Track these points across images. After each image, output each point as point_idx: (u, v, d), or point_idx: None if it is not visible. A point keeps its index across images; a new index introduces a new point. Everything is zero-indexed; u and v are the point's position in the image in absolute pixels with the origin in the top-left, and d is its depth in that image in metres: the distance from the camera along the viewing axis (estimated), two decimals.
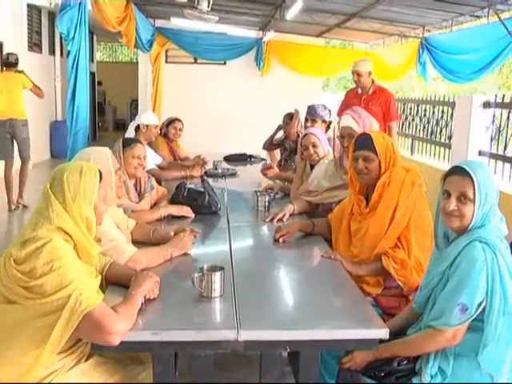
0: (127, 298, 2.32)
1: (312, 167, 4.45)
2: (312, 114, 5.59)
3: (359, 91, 6.82)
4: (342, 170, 3.90)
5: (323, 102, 7.44)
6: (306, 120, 5.65)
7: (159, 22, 12.31)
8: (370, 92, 6.69)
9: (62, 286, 2.12)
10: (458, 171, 2.43)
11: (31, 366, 2.15)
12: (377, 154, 3.17)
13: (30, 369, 2.15)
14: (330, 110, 5.73)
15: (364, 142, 3.22)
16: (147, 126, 5.64)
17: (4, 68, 8.29)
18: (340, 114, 6.71)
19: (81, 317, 2.09)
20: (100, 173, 2.46)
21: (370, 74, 6.71)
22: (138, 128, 5.62)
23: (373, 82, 6.74)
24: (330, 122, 5.68)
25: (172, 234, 3.10)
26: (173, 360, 2.34)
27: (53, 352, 2.15)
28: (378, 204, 3.14)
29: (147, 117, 5.80)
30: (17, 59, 8.16)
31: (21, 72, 8.22)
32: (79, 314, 2.09)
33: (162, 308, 2.42)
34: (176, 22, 11.21)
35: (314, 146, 4.38)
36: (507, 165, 6.60)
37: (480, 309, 2.31)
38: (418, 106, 9.60)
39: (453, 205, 2.42)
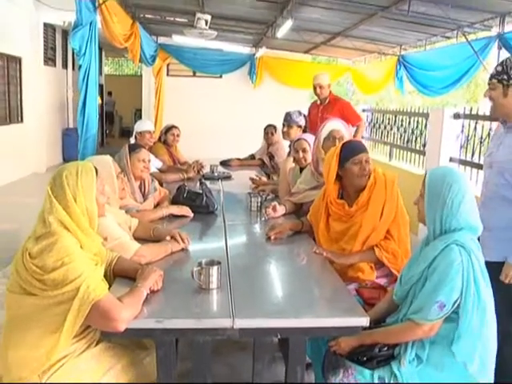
0: (133, 289, 2.32)
1: (301, 170, 4.46)
2: (288, 120, 5.59)
3: (318, 102, 6.87)
4: (319, 174, 3.93)
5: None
6: (283, 126, 5.66)
7: (162, 39, 12.31)
8: (326, 102, 6.74)
9: (71, 279, 2.13)
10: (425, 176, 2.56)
11: (50, 348, 2.17)
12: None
13: (49, 350, 2.17)
14: (304, 116, 5.73)
15: (361, 146, 3.31)
16: (141, 132, 5.67)
17: None
18: (309, 125, 6.76)
19: (89, 306, 2.11)
20: (96, 169, 2.45)
21: (329, 86, 6.77)
22: (135, 137, 5.68)
23: (330, 93, 6.77)
24: (306, 127, 5.69)
25: (168, 238, 3.08)
26: (174, 346, 2.34)
27: (69, 336, 2.17)
28: (369, 202, 3.20)
29: (140, 125, 5.85)
30: None
31: None
32: (88, 304, 2.11)
33: (164, 298, 2.41)
34: (177, 39, 11.23)
35: (304, 151, 4.38)
36: (474, 170, 6.62)
37: (456, 305, 2.33)
38: (395, 117, 9.60)
39: (416, 199, 2.61)
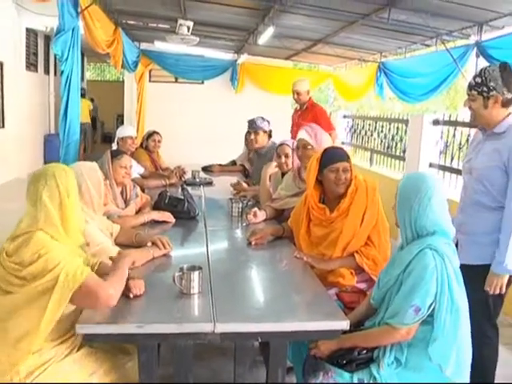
0: (114, 269, 2.39)
1: (283, 175, 4.48)
2: (253, 126, 5.63)
3: (298, 108, 6.93)
4: (301, 180, 3.97)
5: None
6: (249, 133, 5.69)
7: (144, 45, 12.29)
8: (304, 108, 6.80)
9: (50, 268, 2.14)
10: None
11: (31, 339, 2.17)
12: (350, 165, 3.27)
13: (30, 341, 2.18)
14: (268, 121, 5.76)
15: (341, 154, 3.31)
16: (123, 138, 5.67)
17: None
18: (291, 131, 6.81)
19: (71, 293, 2.14)
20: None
21: (308, 92, 6.82)
22: (117, 143, 5.68)
23: (309, 99, 6.83)
24: (271, 131, 5.72)
25: (149, 244, 3.09)
26: (156, 350, 2.35)
27: (50, 324, 2.18)
28: (349, 208, 3.23)
29: (121, 130, 5.85)
30: None
31: None
32: (69, 291, 2.14)
33: (146, 304, 2.42)
34: (159, 46, 11.23)
35: (287, 156, 4.41)
36: (454, 175, 6.70)
37: (431, 309, 2.37)
38: (376, 123, 9.67)
39: (394, 204, 2.63)
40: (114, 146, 5.77)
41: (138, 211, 4.15)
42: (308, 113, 6.74)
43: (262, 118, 5.72)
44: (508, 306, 3.36)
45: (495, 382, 3.20)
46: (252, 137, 5.65)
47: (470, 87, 3.03)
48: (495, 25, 7.03)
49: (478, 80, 2.98)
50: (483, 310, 3.08)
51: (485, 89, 2.95)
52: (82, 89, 16.94)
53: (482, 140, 3.15)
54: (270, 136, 5.67)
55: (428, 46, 8.97)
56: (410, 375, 2.42)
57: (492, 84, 2.93)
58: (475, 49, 7.32)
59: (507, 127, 2.98)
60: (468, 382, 2.48)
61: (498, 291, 2.98)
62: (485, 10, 6.49)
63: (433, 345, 2.37)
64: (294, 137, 5.47)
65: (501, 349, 3.27)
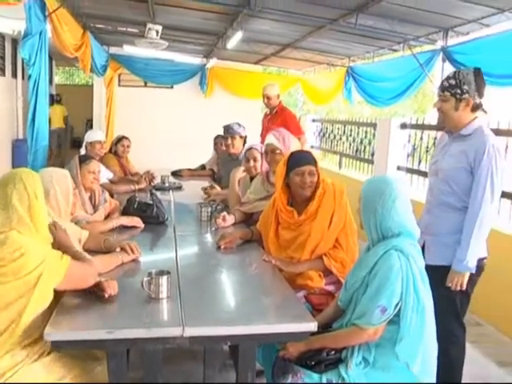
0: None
1: (252, 179, 4.51)
2: (230, 132, 5.66)
3: (268, 112, 6.97)
4: (270, 184, 4.00)
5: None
6: (226, 139, 5.72)
7: (113, 49, 12.19)
8: (274, 112, 6.84)
9: (32, 267, 2.20)
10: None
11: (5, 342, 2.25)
12: (317, 168, 3.28)
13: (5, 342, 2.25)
14: (244, 127, 5.80)
15: (307, 158, 3.33)
16: (91, 143, 5.64)
17: None
18: (261, 135, 6.86)
19: (52, 289, 2.26)
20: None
21: (278, 96, 6.86)
22: (85, 147, 5.64)
23: (279, 103, 6.87)
24: (246, 137, 5.77)
25: (118, 249, 3.09)
26: (125, 356, 2.35)
27: (30, 316, 2.27)
28: (317, 211, 3.26)
29: (90, 135, 5.81)
30: None
31: None
32: (51, 287, 2.27)
33: (115, 309, 2.43)
34: (128, 50, 11.16)
35: (255, 160, 4.43)
36: (422, 178, 6.80)
37: (397, 309, 2.41)
38: (344, 127, 9.77)
39: (358, 208, 2.68)
40: (83, 151, 5.72)
41: (107, 217, 4.13)
42: (277, 117, 6.77)
43: (238, 124, 5.76)
44: (475, 304, 3.44)
45: (462, 379, 3.26)
46: (229, 141, 5.68)
47: (443, 88, 3.09)
48: (460, 31, 7.18)
49: (452, 82, 3.04)
50: (450, 310, 3.15)
51: (458, 91, 3.02)
52: (56, 95, 16.86)
53: (448, 142, 3.22)
54: (245, 142, 5.71)
55: (395, 50, 9.08)
56: (378, 375, 2.46)
57: (466, 87, 3.00)
58: (441, 54, 7.44)
59: (474, 130, 3.05)
60: (434, 379, 2.53)
61: (458, 288, 3.05)
62: (450, 16, 6.61)
63: (400, 344, 2.41)
64: (263, 141, 5.51)
65: (468, 347, 3.35)
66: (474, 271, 3.04)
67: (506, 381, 3.90)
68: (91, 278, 2.46)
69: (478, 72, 3.05)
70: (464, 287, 3.05)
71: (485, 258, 3.14)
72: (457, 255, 3.03)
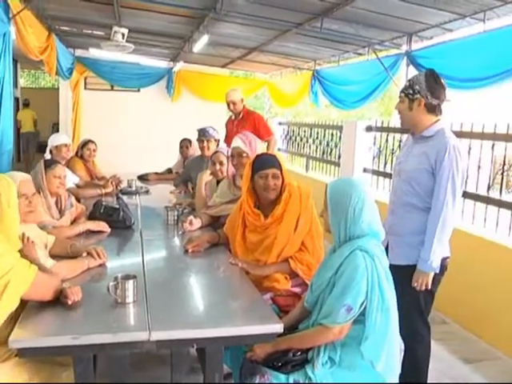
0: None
1: (218, 183, 4.52)
2: (206, 135, 5.69)
3: (233, 117, 7.00)
4: (236, 187, 4.02)
5: None
6: (202, 141, 5.74)
7: (79, 52, 12.06)
8: (240, 117, 6.86)
9: (0, 275, 2.18)
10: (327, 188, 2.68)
11: None
12: (281, 171, 3.31)
13: None
14: (217, 131, 5.86)
15: (271, 161, 3.36)
16: (57, 146, 5.59)
17: None
18: (226, 141, 6.89)
19: (19, 297, 2.25)
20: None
21: (242, 100, 6.88)
22: (50, 151, 5.58)
23: (243, 107, 6.90)
24: (219, 140, 5.84)
25: (84, 254, 3.07)
26: (91, 362, 2.33)
27: (4, 312, 2.28)
28: (283, 215, 3.28)
29: (54, 138, 5.74)
30: None
31: None
32: (20, 293, 2.25)
33: (81, 314, 2.41)
34: (94, 53, 11.06)
35: (221, 163, 4.45)
36: (387, 180, 6.87)
37: (362, 308, 2.45)
38: (311, 130, 9.82)
39: (322, 211, 2.72)
40: (48, 156, 5.66)
41: (73, 221, 4.11)
42: (245, 121, 6.78)
43: (213, 128, 5.81)
44: (441, 303, 3.51)
45: (429, 376, 3.32)
46: (204, 144, 5.71)
47: (401, 90, 3.23)
48: (424, 35, 7.30)
49: (407, 84, 3.18)
50: (415, 309, 3.21)
51: (410, 91, 3.13)
52: (25, 99, 16.59)
53: (411, 144, 3.30)
54: (217, 145, 5.74)
55: (360, 54, 9.17)
56: (344, 374, 2.49)
57: (417, 87, 3.11)
58: (405, 58, 7.56)
59: (436, 132, 3.13)
60: (397, 376, 2.58)
61: (423, 288, 3.11)
62: (414, 21, 6.73)
63: (365, 343, 2.45)
64: (229, 146, 5.55)
65: (434, 344, 3.41)
66: (438, 271, 3.10)
67: (472, 377, 3.98)
68: (54, 290, 2.43)
69: (429, 73, 3.15)
70: (429, 287, 3.11)
71: (448, 258, 3.21)
72: (421, 255, 3.09)
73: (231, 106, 6.81)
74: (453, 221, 3.10)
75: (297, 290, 3.28)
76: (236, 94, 6.81)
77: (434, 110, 3.15)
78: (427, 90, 3.10)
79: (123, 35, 8.64)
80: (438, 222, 3.03)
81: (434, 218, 3.05)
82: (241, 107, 6.82)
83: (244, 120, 6.79)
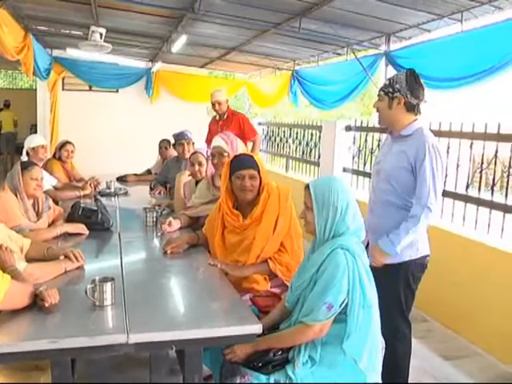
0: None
1: (197, 183, 4.51)
2: (186, 138, 5.78)
3: (217, 118, 7.03)
4: (215, 188, 4.02)
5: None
6: (182, 144, 5.78)
7: (56, 52, 11.94)
8: (225, 117, 6.91)
9: None
10: (307, 187, 2.66)
11: None
12: (259, 172, 3.31)
13: None
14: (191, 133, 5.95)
15: (248, 162, 3.35)
16: (34, 148, 5.55)
17: None
18: (206, 141, 6.90)
19: None
20: None
21: (227, 101, 6.96)
22: (27, 153, 5.54)
23: (228, 108, 6.94)
24: (194, 143, 5.90)
25: (62, 257, 3.05)
26: (69, 365, 2.31)
27: None
28: (262, 216, 3.28)
29: (31, 140, 5.71)
30: None
31: None
32: None
33: (58, 318, 2.39)
34: (72, 53, 10.97)
35: (200, 164, 4.45)
36: (367, 179, 6.91)
37: (343, 305, 2.46)
38: (291, 130, 9.84)
39: (302, 213, 2.70)
40: (25, 157, 5.61)
41: (51, 224, 4.06)
42: (230, 121, 6.84)
43: (189, 132, 5.91)
44: (422, 301, 3.53)
45: (410, 373, 3.35)
46: (185, 147, 5.76)
47: (380, 89, 3.26)
48: (402, 35, 7.36)
49: (387, 82, 3.21)
50: (395, 307, 3.24)
51: (390, 90, 3.17)
52: (6, 100, 16.43)
53: (390, 143, 3.33)
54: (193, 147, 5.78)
55: (339, 54, 9.20)
56: (325, 372, 2.50)
57: (397, 86, 3.15)
58: (384, 58, 7.60)
59: (414, 130, 3.16)
60: (379, 373, 2.60)
61: (378, 265, 3.11)
62: (392, 21, 6.78)
63: (347, 340, 2.47)
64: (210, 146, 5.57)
65: (415, 342, 3.45)
66: (394, 257, 3.13)
67: (451, 373, 4.02)
68: (29, 297, 2.40)
69: (410, 73, 3.19)
70: (379, 265, 3.13)
71: (427, 256, 3.24)
72: (390, 237, 3.11)
73: (216, 107, 6.86)
74: (433, 217, 3.12)
75: (276, 290, 3.29)
76: (221, 95, 6.87)
77: (413, 109, 3.19)
78: (407, 89, 3.13)
79: (101, 35, 8.58)
80: (419, 217, 3.04)
81: (417, 212, 3.06)
82: (225, 108, 6.87)
83: (229, 120, 6.84)
